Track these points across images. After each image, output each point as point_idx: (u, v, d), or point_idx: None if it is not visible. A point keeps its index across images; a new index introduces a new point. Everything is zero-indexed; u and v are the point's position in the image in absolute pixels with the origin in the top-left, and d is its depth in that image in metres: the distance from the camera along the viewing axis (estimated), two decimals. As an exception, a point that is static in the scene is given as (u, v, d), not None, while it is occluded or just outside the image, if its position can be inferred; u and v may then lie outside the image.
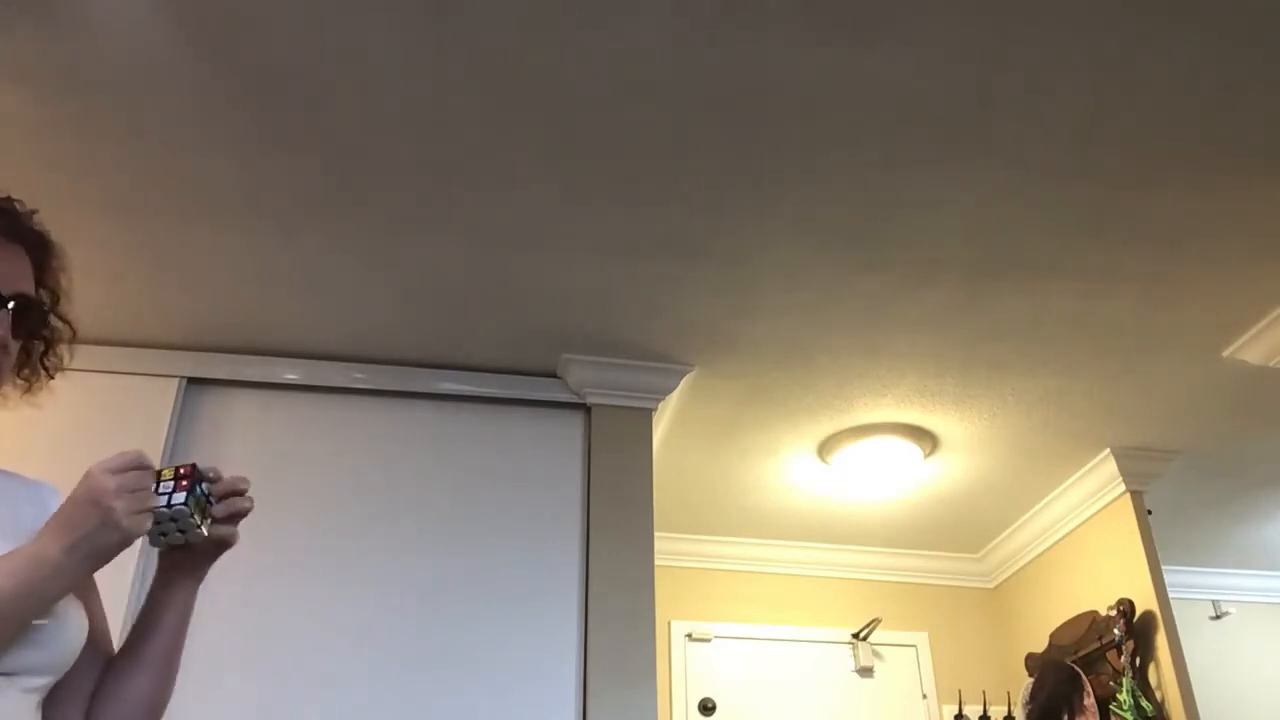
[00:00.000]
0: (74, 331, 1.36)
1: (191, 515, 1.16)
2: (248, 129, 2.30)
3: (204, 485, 1.18)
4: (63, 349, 1.35)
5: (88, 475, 1.09)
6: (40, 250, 1.31)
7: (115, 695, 1.23)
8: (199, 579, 1.26)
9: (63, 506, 1.10)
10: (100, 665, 1.25)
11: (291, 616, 2.77)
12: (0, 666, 1.08)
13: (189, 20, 2.04)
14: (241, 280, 2.79)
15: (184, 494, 1.15)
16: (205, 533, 1.19)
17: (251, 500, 1.23)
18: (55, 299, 1.33)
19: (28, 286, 1.27)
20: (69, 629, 1.16)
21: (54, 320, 1.33)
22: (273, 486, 2.89)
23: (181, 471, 1.16)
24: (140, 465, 1.12)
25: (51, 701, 1.18)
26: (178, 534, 1.17)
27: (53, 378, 1.35)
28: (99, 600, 1.29)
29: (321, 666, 2.73)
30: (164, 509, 1.14)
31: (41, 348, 1.32)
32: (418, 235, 2.64)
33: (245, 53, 2.11)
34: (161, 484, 1.15)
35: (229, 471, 1.22)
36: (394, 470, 3.03)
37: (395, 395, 3.14)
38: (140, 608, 1.25)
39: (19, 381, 1.32)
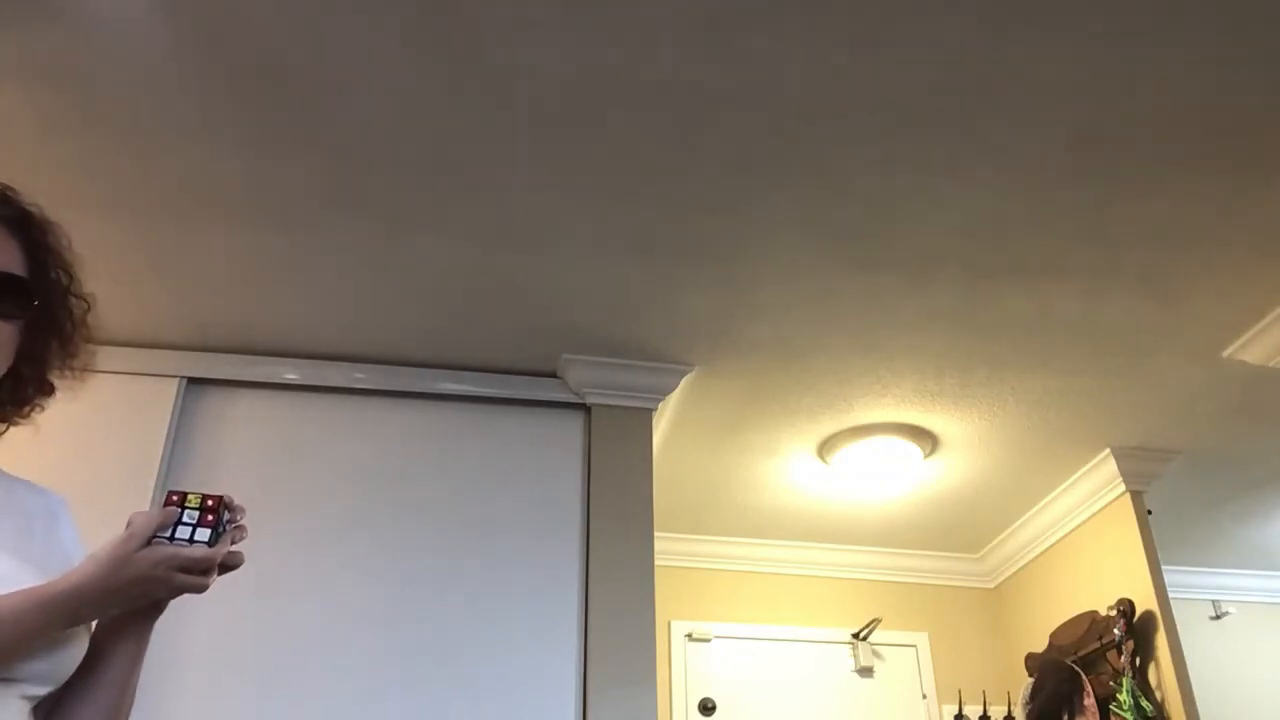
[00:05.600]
0: (89, 305, 1.31)
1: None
2: (248, 129, 2.30)
3: (226, 521, 1.13)
4: (79, 340, 1.31)
5: (156, 562, 1.07)
6: (30, 230, 1.25)
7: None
8: (162, 608, 1.18)
9: (111, 570, 1.07)
10: None
11: (290, 616, 2.77)
12: (4, 673, 1.08)
13: (190, 20, 2.04)
14: (242, 280, 2.79)
15: (209, 530, 1.10)
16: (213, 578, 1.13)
17: (245, 529, 1.17)
18: (68, 278, 1.28)
19: (15, 266, 1.22)
20: (76, 641, 1.15)
21: (66, 301, 1.28)
22: (272, 486, 2.91)
23: (209, 503, 1.11)
24: (211, 567, 1.10)
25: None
26: None
27: (76, 360, 1.31)
28: None
29: (320, 666, 2.73)
30: (184, 541, 1.09)
31: (54, 341, 1.27)
32: (418, 235, 2.64)
33: (246, 53, 2.11)
34: (186, 512, 1.10)
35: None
36: (394, 470, 3.03)
37: (395, 395, 3.14)
38: (97, 627, 1.19)
39: (60, 375, 1.28)
